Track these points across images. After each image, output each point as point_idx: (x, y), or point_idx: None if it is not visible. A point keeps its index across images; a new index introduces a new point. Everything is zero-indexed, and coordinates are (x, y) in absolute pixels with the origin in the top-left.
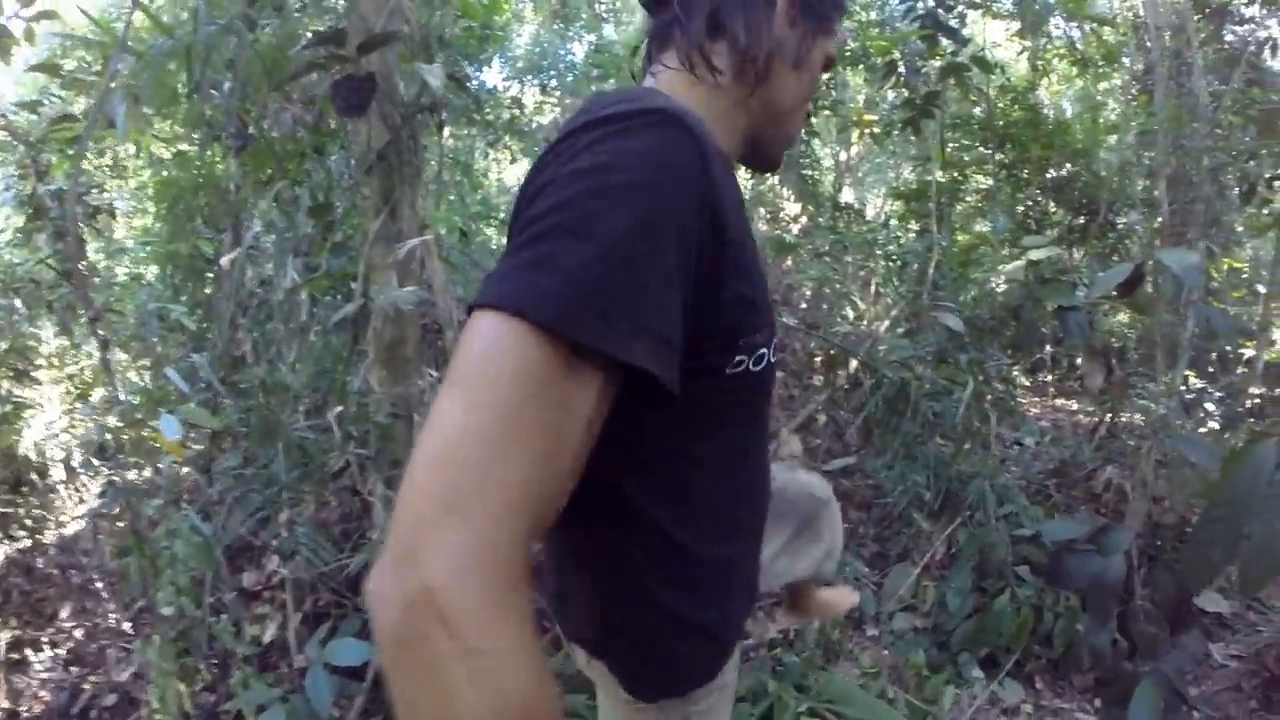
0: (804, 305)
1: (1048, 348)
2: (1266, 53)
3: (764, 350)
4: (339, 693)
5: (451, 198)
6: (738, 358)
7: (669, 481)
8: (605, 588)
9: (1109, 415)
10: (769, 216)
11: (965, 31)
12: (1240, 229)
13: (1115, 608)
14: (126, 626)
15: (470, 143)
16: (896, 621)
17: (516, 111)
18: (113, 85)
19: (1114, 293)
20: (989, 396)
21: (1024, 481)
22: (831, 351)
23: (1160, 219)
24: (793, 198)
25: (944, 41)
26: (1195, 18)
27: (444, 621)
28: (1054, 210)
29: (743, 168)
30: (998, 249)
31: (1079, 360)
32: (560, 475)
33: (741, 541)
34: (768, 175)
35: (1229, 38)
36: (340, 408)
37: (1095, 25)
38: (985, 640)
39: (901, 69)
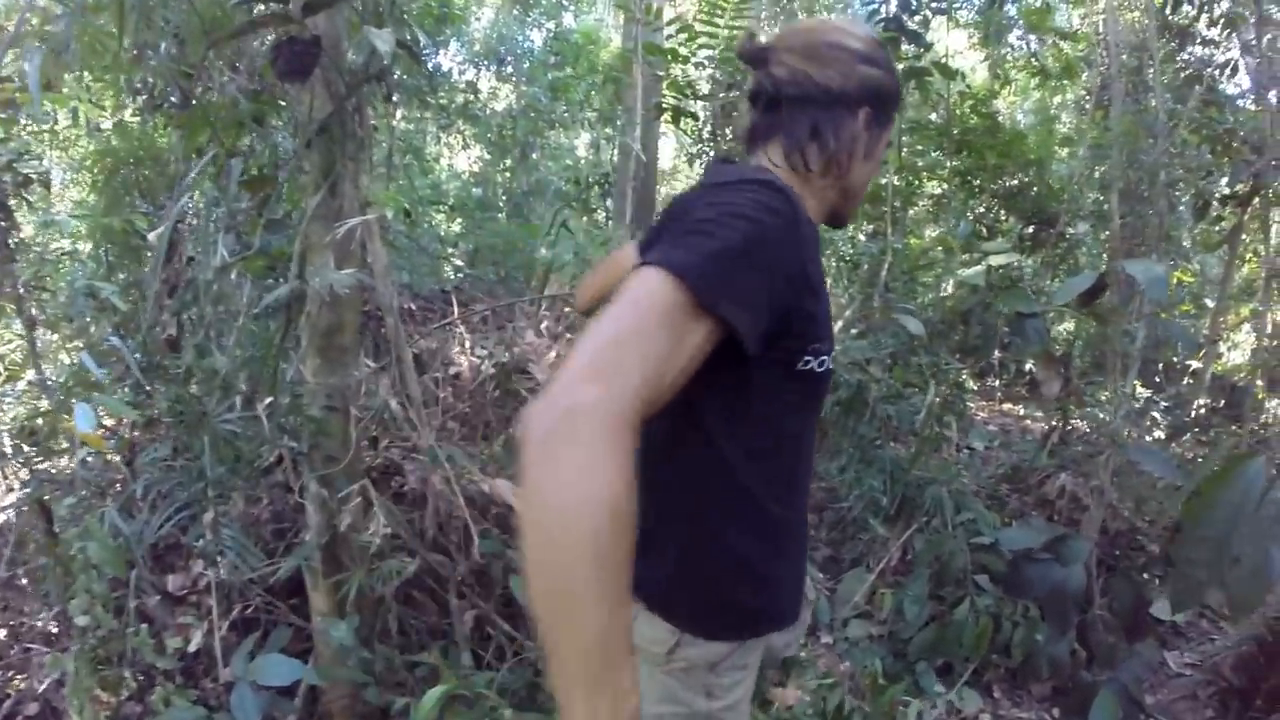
0: None
1: (996, 352)
2: (1226, 75)
3: (825, 357)
4: (268, 711)
5: (401, 181)
6: (806, 357)
7: (752, 441)
8: (686, 528)
9: (1061, 422)
10: None
11: (928, 37)
12: (1187, 244)
13: (1075, 618)
14: (53, 628)
15: (422, 125)
16: (851, 629)
17: (471, 96)
18: (26, 28)
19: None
20: (939, 401)
21: (976, 487)
22: None
23: (1108, 231)
24: None
25: (906, 46)
26: (1159, 39)
27: (578, 428)
28: (1005, 218)
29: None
30: (957, 253)
31: (1028, 366)
32: (664, 380)
33: (796, 512)
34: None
35: (1185, 58)
36: (271, 399)
37: (1056, 39)
38: (943, 649)
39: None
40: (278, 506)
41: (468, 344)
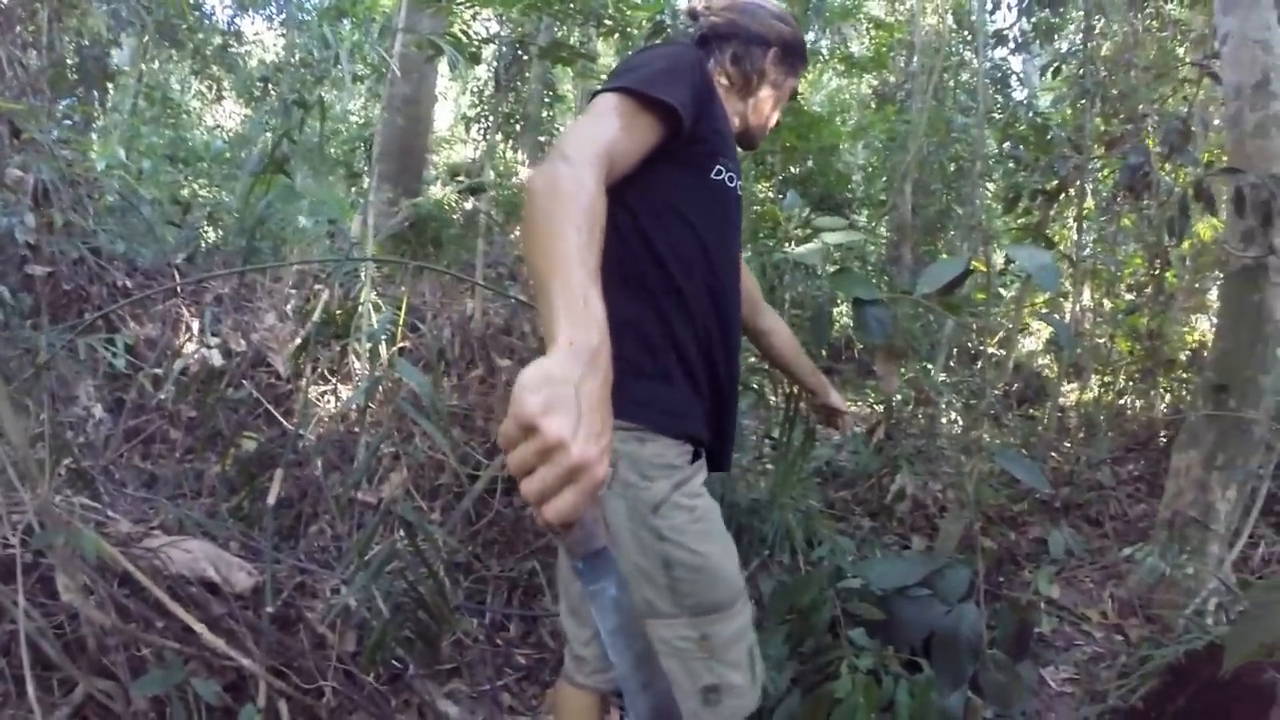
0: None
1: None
2: (1049, 76)
3: (734, 175)
4: None
5: (157, 135)
6: (718, 167)
7: (676, 238)
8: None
9: (887, 419)
10: (499, 180)
11: None
12: (975, 237)
13: (971, 665)
14: None
15: (179, 72)
16: None
17: (234, 42)
18: None
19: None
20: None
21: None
22: None
23: (886, 221)
24: (527, 161)
25: None
26: (967, 38)
27: (564, 157)
28: None
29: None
30: (784, 226)
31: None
32: (620, 150)
33: (710, 344)
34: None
35: (983, 65)
36: None
37: (871, 26)
38: None
39: (669, 32)
40: None
41: (195, 330)
